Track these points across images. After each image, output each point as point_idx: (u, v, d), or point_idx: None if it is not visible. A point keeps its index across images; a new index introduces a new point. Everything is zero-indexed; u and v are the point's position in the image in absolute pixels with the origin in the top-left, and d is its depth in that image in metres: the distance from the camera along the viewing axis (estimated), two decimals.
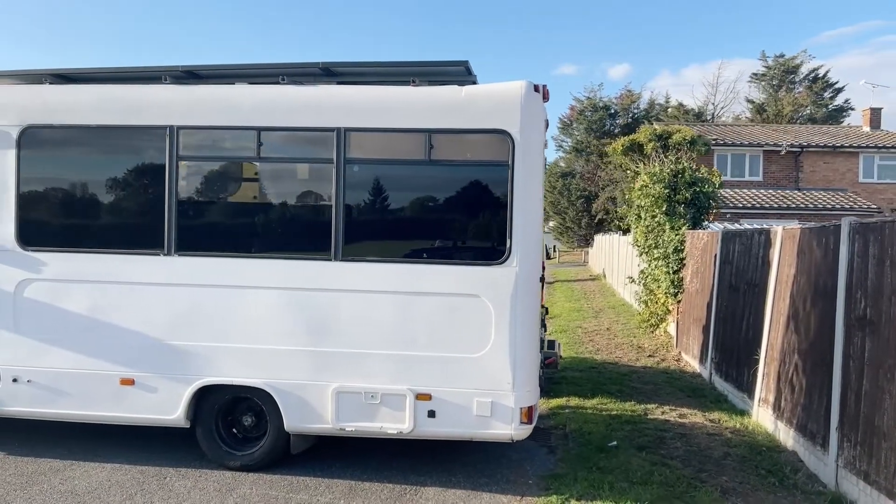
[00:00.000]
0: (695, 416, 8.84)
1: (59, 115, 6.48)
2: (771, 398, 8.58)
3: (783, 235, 8.74)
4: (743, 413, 9.08)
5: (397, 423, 6.06)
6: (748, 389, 9.32)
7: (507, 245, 5.90)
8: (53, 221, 6.65)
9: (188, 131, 6.33)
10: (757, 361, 9.08)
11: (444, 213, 6.09)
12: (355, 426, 6.12)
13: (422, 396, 6.01)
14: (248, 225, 6.44)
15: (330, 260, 6.14)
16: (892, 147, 27.38)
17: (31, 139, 6.52)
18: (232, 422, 6.56)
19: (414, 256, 6.15)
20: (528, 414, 5.97)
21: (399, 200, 6.19)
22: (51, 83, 6.79)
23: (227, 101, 6.33)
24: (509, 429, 5.97)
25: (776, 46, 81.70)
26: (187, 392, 6.32)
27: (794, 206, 24.73)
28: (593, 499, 5.99)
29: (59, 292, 6.46)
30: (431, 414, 6.02)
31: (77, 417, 6.56)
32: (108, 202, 6.59)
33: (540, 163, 6.02)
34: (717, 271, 11.03)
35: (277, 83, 6.45)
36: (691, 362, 12.17)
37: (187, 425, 6.41)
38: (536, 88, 5.96)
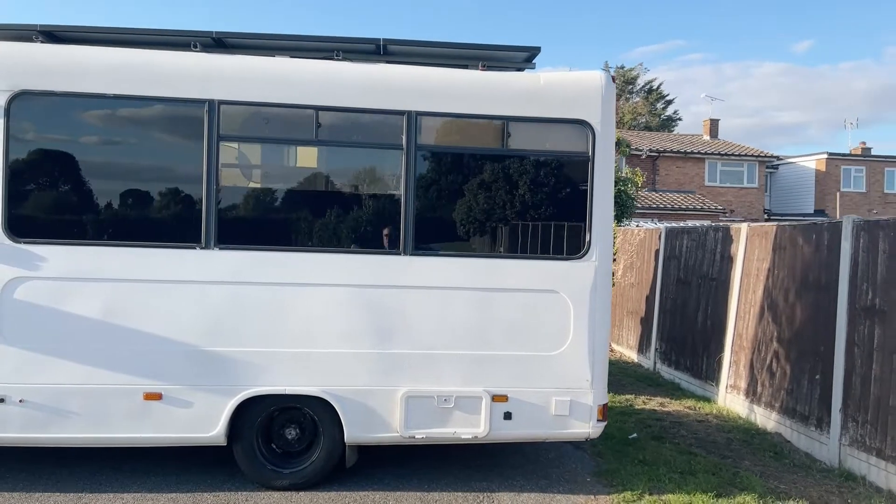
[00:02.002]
0: (672, 405, 9.16)
1: (62, 80, 5.39)
2: (742, 384, 9.08)
3: (748, 232, 9.28)
4: (707, 399, 9.54)
5: (472, 428, 5.70)
6: (709, 377, 9.82)
7: (587, 239, 5.73)
8: (55, 208, 5.54)
9: (232, 107, 5.52)
10: (721, 351, 9.57)
11: (521, 205, 5.79)
12: (426, 433, 5.68)
13: (498, 398, 5.69)
14: (302, 215, 5.74)
15: (399, 254, 5.63)
16: (730, 155, 30.56)
17: (24, 108, 5.38)
18: (270, 436, 5.83)
19: (489, 250, 5.80)
20: (602, 411, 5.85)
21: (473, 191, 5.80)
22: (43, 41, 5.64)
23: (280, 75, 5.59)
24: (587, 427, 5.81)
25: (605, 57, 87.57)
26: (229, 405, 5.53)
27: (654, 206, 26.60)
28: (662, 492, 5.99)
29: (63, 293, 5.39)
30: (507, 416, 5.72)
31: (87, 441, 5.52)
32: (128, 186, 5.58)
33: (613, 155, 5.90)
34: (660, 266, 11.51)
35: (328, 59, 5.81)
36: (626, 352, 12.64)
37: (225, 443, 5.61)
38: (613, 79, 5.84)
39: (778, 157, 33.79)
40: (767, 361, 8.62)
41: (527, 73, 5.78)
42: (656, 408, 8.94)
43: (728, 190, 30.23)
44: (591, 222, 5.72)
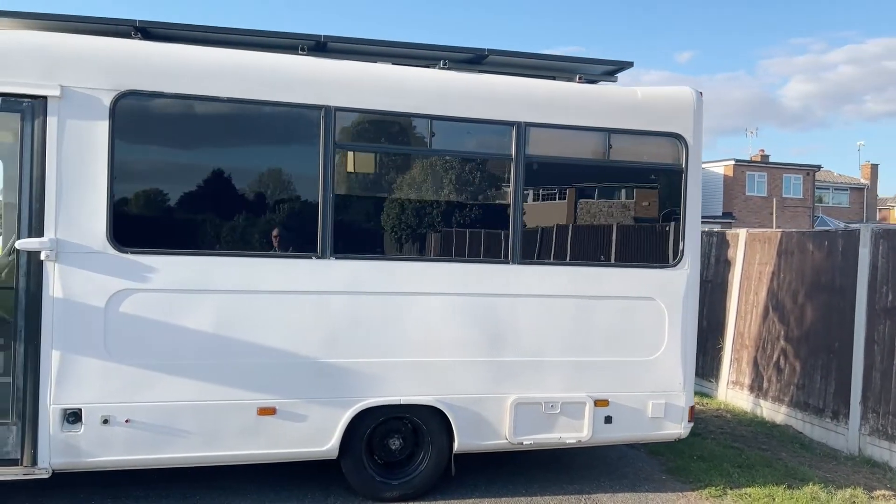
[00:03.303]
0: None
1: (172, 80, 5.10)
2: (745, 381, 9.69)
3: (747, 238, 9.91)
4: (707, 395, 10.11)
5: (576, 432, 5.85)
6: (707, 374, 10.40)
7: (681, 248, 6.00)
8: (162, 216, 5.24)
9: (347, 114, 5.40)
10: (721, 349, 10.16)
11: (621, 215, 5.99)
12: (534, 439, 5.78)
13: (600, 403, 5.87)
14: (414, 223, 5.69)
15: (507, 263, 5.70)
16: None
17: (130, 109, 5.05)
18: (372, 447, 5.75)
19: (592, 258, 5.96)
20: (691, 412, 6.14)
21: (574, 201, 5.94)
22: (140, 38, 5.32)
23: (396, 83, 5.52)
24: (679, 428, 6.09)
25: None
26: (344, 417, 5.42)
27: None
28: (739, 487, 6.35)
29: (172, 305, 5.11)
30: (608, 420, 5.90)
31: (197, 461, 5.26)
32: (240, 194, 5.35)
33: (701, 167, 6.20)
34: None
35: (429, 66, 5.79)
36: None
37: (337, 456, 5.49)
38: (700, 94, 6.14)
39: None
40: (774, 359, 9.23)
41: (625, 88, 5.98)
42: None
43: None
44: (685, 232, 5.99)
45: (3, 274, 5.74)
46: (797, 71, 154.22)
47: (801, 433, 8.51)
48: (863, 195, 40.53)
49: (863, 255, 7.94)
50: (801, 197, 35.16)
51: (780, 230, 9.43)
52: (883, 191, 47.02)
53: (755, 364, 9.51)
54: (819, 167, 37.37)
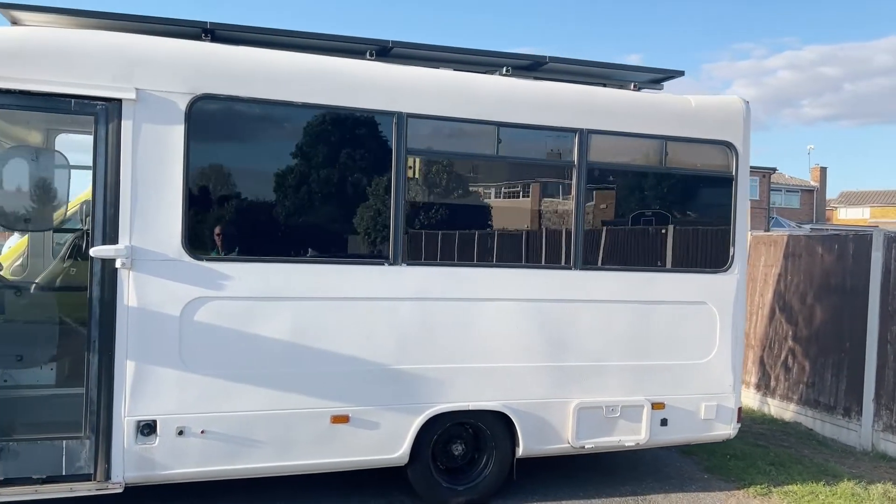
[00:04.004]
0: None
1: (246, 84, 5.00)
2: (752, 379, 9.97)
3: (752, 241, 10.18)
4: None
5: (634, 435, 5.95)
6: None
7: (731, 253, 6.16)
8: (237, 223, 5.13)
9: (419, 121, 5.38)
10: None
11: (676, 220, 6.11)
12: (595, 442, 5.86)
13: (657, 405, 5.98)
14: (480, 229, 5.70)
15: (570, 269, 5.77)
16: None
17: (205, 113, 4.94)
18: (435, 453, 5.75)
19: (648, 264, 6.07)
20: (739, 413, 6.31)
21: (632, 206, 6.04)
22: (210, 40, 5.20)
23: (466, 89, 5.52)
24: (729, 429, 6.25)
25: None
26: (415, 423, 5.41)
27: None
28: (780, 484, 6.55)
29: (247, 313, 5.02)
30: (664, 422, 6.02)
31: (271, 470, 5.17)
32: (314, 200, 5.27)
33: (748, 175, 6.36)
34: None
35: (489, 72, 5.82)
36: None
37: (407, 462, 5.48)
38: (748, 103, 6.31)
39: None
40: (782, 358, 9.52)
41: (679, 96, 6.09)
42: None
43: None
44: (735, 237, 6.15)
45: (59, 280, 5.58)
46: (740, 75, 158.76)
47: (811, 430, 8.80)
48: (813, 197, 42.07)
49: (875, 259, 8.25)
50: (758, 198, 36.20)
51: (787, 233, 9.72)
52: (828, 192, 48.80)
53: (762, 363, 9.78)
54: (774, 170, 38.60)
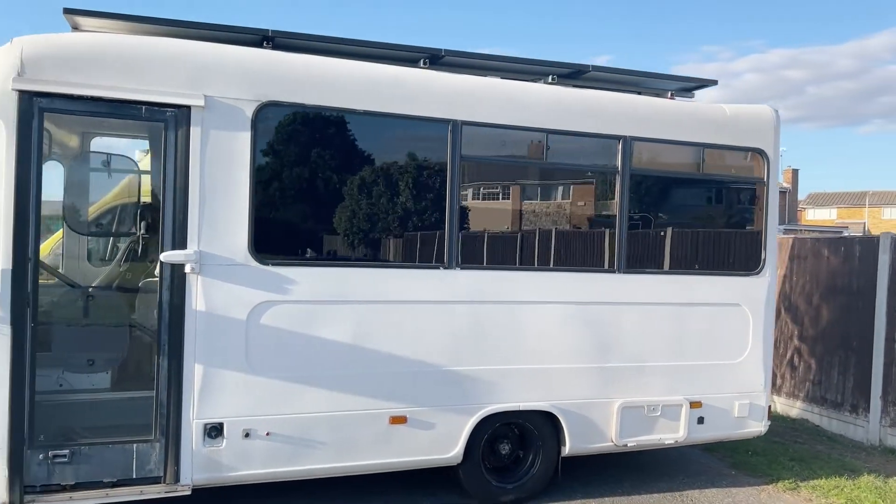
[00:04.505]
0: None
1: (309, 92, 5.09)
2: None
3: None
4: None
5: (673, 433, 6.14)
6: None
7: (763, 256, 6.39)
8: (300, 228, 5.21)
9: (472, 128, 5.51)
10: None
11: (712, 225, 6.32)
12: (637, 440, 6.04)
13: (694, 404, 6.19)
14: (528, 234, 5.85)
15: (613, 272, 5.94)
16: None
17: (270, 120, 5.02)
18: (483, 452, 5.88)
19: (686, 267, 6.26)
20: (769, 411, 6.55)
21: (671, 211, 6.24)
22: (272, 47, 5.27)
23: (517, 97, 5.66)
24: (760, 426, 6.48)
25: None
26: (469, 424, 5.54)
27: None
28: (805, 479, 6.81)
29: (310, 317, 5.11)
30: (700, 420, 6.23)
31: (332, 471, 5.27)
32: (373, 205, 5.37)
33: (777, 181, 6.61)
34: None
35: (535, 80, 5.98)
36: None
37: (460, 461, 5.60)
38: (777, 112, 6.55)
39: None
40: (788, 357, 9.82)
41: (714, 105, 6.30)
42: None
43: None
44: (766, 241, 6.38)
45: (116, 284, 5.62)
46: (707, 77, 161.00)
47: (818, 426, 9.10)
48: (785, 198, 43.01)
49: (882, 261, 8.57)
50: None
51: (793, 236, 10.02)
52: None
53: None
54: None
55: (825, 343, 9.27)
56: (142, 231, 5.63)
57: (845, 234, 22.01)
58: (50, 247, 6.69)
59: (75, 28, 5.14)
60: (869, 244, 8.79)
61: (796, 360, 9.68)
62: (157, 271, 5.85)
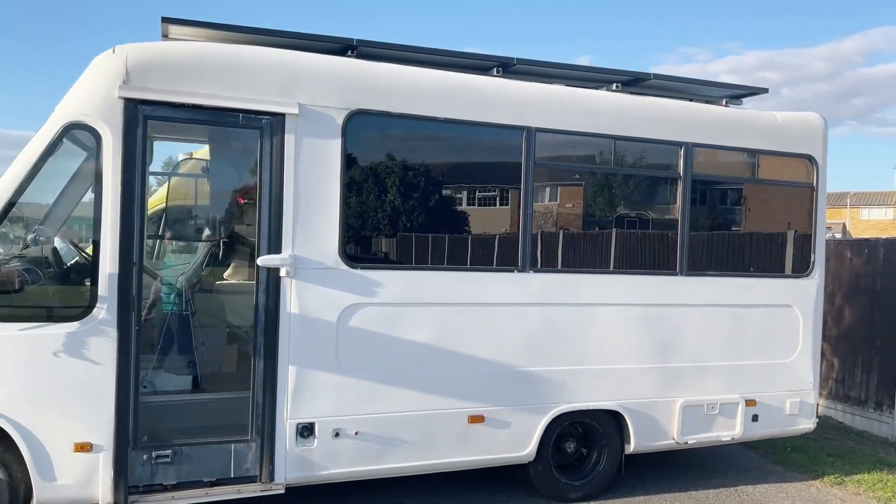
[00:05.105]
0: None
1: (394, 100, 5.22)
2: None
3: None
4: None
5: (730, 430, 6.35)
6: None
7: (812, 259, 6.62)
8: (386, 232, 5.33)
9: (545, 134, 5.67)
10: None
11: (766, 229, 6.54)
12: (697, 438, 6.24)
13: (749, 402, 6.40)
14: (596, 237, 6.02)
15: (675, 275, 6.13)
16: None
17: (359, 128, 5.15)
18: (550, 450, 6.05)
19: (742, 269, 6.47)
20: (817, 409, 6.78)
21: (728, 215, 6.44)
22: (356, 56, 5.39)
23: (587, 105, 5.83)
24: (809, 423, 6.72)
25: None
26: (542, 423, 5.70)
27: None
28: (848, 473, 7.05)
29: (394, 319, 5.24)
30: (755, 418, 6.44)
31: (411, 470, 5.40)
32: (454, 209, 5.52)
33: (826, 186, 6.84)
34: None
35: (597, 88, 6.16)
36: None
37: (533, 459, 5.77)
38: (825, 119, 6.78)
39: None
40: None
41: (767, 112, 6.52)
42: None
43: None
44: (816, 244, 6.61)
45: (201, 285, 5.72)
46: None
47: (842, 423, 9.38)
48: None
49: None
50: None
51: None
52: None
53: None
54: None
55: (848, 342, 9.55)
56: (222, 235, 5.73)
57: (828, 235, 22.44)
58: None
59: (164, 36, 5.22)
60: (892, 246, 9.08)
61: (819, 358, 9.94)
62: (226, 273, 5.97)
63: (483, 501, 5.96)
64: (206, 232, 5.71)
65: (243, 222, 5.74)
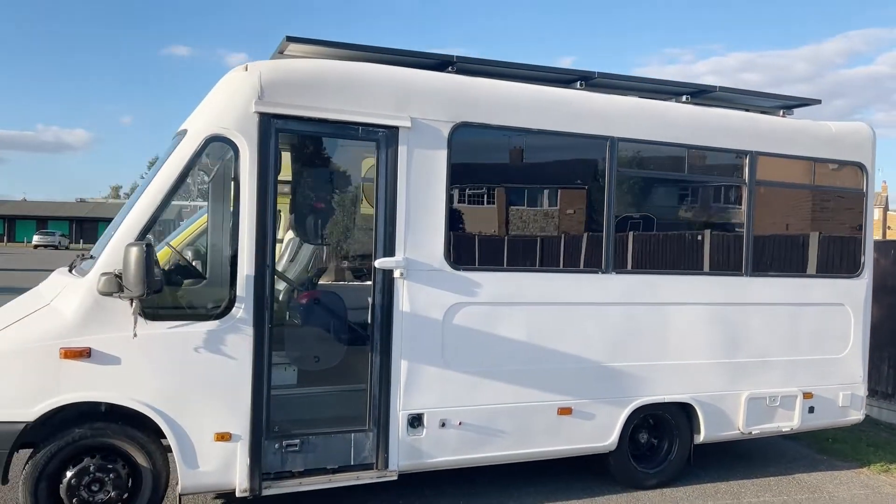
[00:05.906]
0: None
1: (494, 113, 5.61)
2: None
3: None
4: None
5: (789, 421, 6.78)
6: None
7: (862, 260, 7.07)
8: (485, 236, 5.72)
9: (626, 144, 6.08)
10: None
11: (822, 232, 6.97)
12: (760, 429, 6.66)
13: (807, 395, 6.83)
14: (670, 240, 6.43)
15: (741, 275, 6.55)
16: None
17: (463, 139, 5.53)
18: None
19: (800, 270, 6.90)
20: (865, 400, 7.23)
21: (788, 219, 6.87)
22: (456, 72, 5.77)
23: (664, 116, 6.25)
24: (859, 414, 7.17)
25: None
26: (623, 414, 6.11)
27: None
28: (892, 462, 7.51)
29: (492, 317, 5.62)
30: (811, 410, 6.88)
31: (506, 458, 5.79)
32: (542, 215, 5.91)
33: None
34: None
35: (667, 99, 6.58)
36: None
37: (614, 449, 6.16)
38: (873, 129, 7.23)
39: None
40: None
41: (821, 122, 6.96)
42: None
43: None
44: (865, 247, 7.06)
45: (306, 285, 6.08)
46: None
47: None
48: None
49: None
50: None
51: None
52: None
53: None
54: None
55: (875, 339, 9.92)
56: (324, 240, 6.11)
57: None
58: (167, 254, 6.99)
59: (280, 53, 5.57)
60: None
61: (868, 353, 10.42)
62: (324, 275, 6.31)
63: (563, 492, 6.34)
64: (316, 236, 6.08)
65: (346, 228, 6.11)
